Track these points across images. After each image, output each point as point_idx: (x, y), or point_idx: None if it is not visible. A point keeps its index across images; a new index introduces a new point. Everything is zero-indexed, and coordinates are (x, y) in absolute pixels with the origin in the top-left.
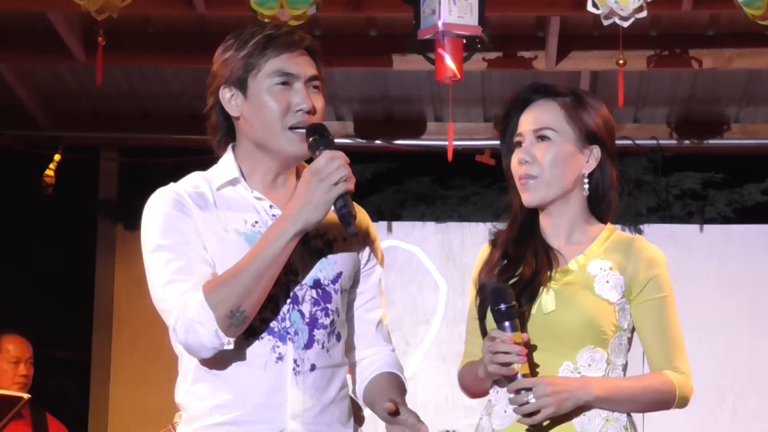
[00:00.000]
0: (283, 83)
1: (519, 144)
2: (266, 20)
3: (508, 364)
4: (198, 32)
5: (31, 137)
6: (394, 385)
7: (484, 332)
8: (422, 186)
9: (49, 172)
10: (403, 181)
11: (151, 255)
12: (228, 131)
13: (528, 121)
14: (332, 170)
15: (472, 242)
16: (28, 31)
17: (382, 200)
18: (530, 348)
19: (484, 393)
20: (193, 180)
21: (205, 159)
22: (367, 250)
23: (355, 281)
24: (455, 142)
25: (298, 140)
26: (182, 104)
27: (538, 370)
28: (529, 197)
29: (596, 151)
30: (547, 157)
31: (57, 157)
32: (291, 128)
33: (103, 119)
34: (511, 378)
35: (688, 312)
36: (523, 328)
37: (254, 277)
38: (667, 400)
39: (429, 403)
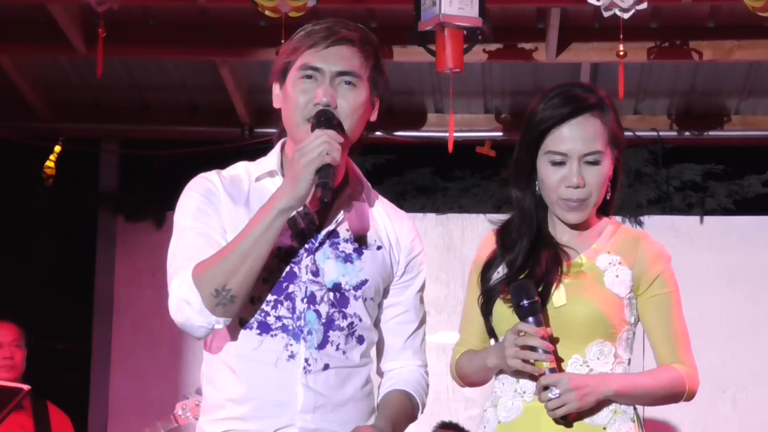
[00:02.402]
0: (309, 77)
1: (562, 161)
2: (266, 12)
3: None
4: (199, 24)
5: (32, 129)
6: (396, 405)
7: (489, 330)
8: (423, 177)
9: (50, 164)
10: (403, 172)
11: (174, 233)
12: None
13: (575, 140)
14: (314, 146)
15: (472, 233)
16: (29, 23)
17: (383, 192)
18: (554, 342)
19: (483, 382)
20: (236, 169)
21: (206, 151)
22: (404, 263)
23: (386, 292)
24: (456, 134)
25: None
26: (183, 96)
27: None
28: (575, 218)
29: (617, 154)
30: (599, 181)
31: (57, 148)
32: (309, 120)
33: (104, 111)
34: (537, 375)
35: (688, 303)
36: (546, 323)
37: (239, 256)
38: (678, 393)
39: (429, 395)
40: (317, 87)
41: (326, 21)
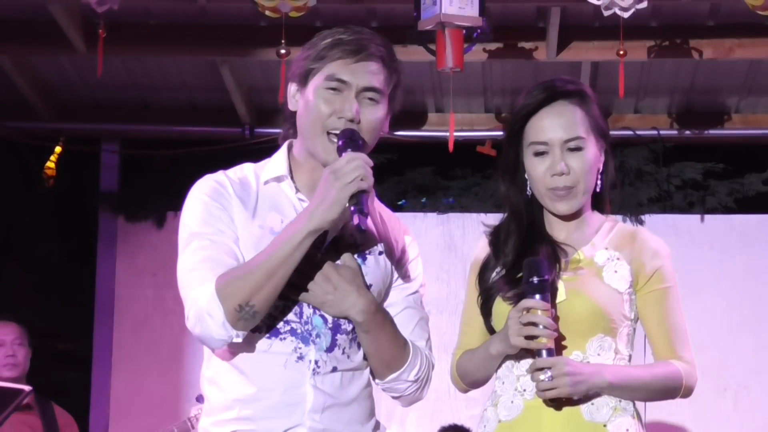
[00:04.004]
0: (334, 89)
1: (545, 151)
2: (266, 12)
3: (535, 338)
4: (198, 23)
5: (32, 129)
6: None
7: (489, 329)
8: (423, 177)
9: (50, 164)
10: (403, 172)
11: (183, 240)
12: (294, 126)
13: (554, 128)
14: (349, 170)
15: (473, 233)
16: (29, 23)
17: (383, 191)
18: (557, 323)
19: (484, 378)
20: (243, 171)
21: (206, 151)
22: (401, 266)
23: (386, 295)
24: (456, 133)
25: (332, 149)
26: (183, 96)
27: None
28: (565, 207)
29: (604, 145)
30: (584, 167)
31: (58, 148)
32: (329, 133)
33: (104, 111)
34: (537, 352)
35: (689, 302)
36: (553, 304)
37: (266, 274)
38: (675, 389)
39: (431, 394)
40: (341, 99)
41: (354, 31)
